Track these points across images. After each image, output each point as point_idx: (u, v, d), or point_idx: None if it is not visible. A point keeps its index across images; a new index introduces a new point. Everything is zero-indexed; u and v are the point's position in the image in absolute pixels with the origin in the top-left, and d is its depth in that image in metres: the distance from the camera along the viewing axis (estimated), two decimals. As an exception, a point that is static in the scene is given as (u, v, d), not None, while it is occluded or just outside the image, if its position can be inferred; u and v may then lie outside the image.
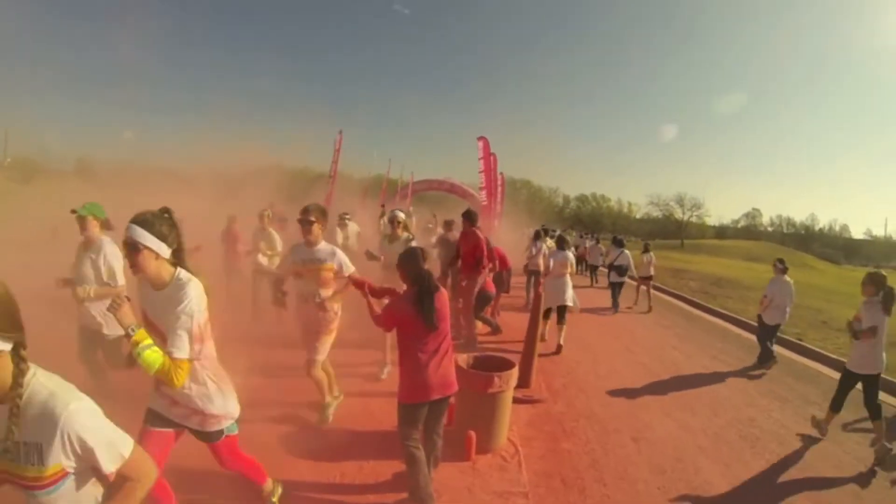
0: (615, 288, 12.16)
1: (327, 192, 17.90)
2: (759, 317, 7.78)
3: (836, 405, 5.22)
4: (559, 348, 7.71)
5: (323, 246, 4.36)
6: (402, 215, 6.15)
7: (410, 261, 3.38)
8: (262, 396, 5.03)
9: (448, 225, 8.90)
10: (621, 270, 12.16)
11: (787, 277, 7.61)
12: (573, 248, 19.01)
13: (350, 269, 4.38)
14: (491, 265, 7.80)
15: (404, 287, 3.48)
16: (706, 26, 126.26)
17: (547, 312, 8.00)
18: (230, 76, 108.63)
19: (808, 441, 5.15)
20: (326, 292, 4.37)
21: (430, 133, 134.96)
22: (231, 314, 7.40)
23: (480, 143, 17.24)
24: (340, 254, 4.39)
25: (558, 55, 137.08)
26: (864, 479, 4.43)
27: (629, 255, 12.37)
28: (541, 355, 6.56)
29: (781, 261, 7.79)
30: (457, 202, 29.28)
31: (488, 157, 17.33)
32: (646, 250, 13.14)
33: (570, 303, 8.05)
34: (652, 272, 12.89)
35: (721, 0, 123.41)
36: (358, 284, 4.09)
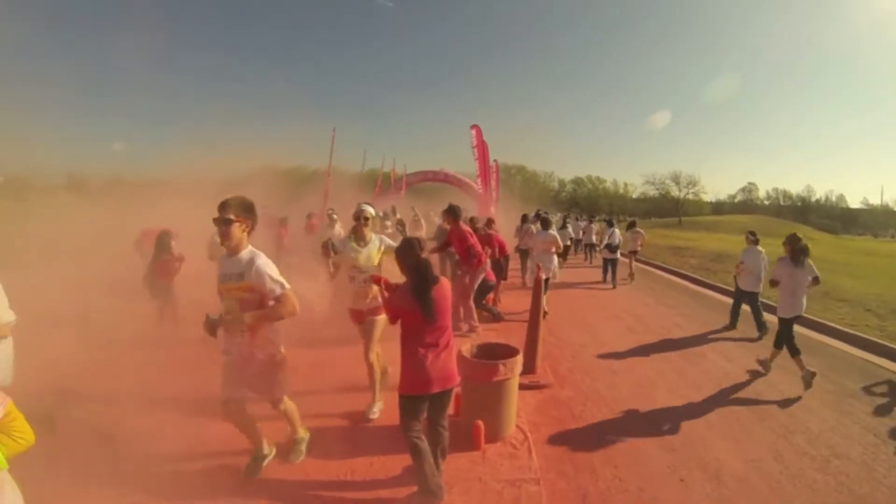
0: (607, 264, 13.24)
1: (324, 189, 17.90)
2: (736, 283, 8.45)
3: (793, 351, 5.91)
4: (545, 314, 8.31)
5: (245, 254, 3.38)
6: (370, 210, 4.74)
7: (408, 251, 3.37)
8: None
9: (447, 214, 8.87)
10: (612, 248, 13.22)
11: (759, 248, 8.19)
12: (576, 232, 19.48)
13: (278, 289, 3.34)
14: (489, 251, 7.91)
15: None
16: (698, 6, 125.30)
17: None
18: (217, 79, 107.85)
19: (817, 413, 5.14)
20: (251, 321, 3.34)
21: (421, 124, 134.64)
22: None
23: (473, 132, 17.19)
24: (263, 264, 3.34)
25: (549, 39, 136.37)
26: (873, 449, 4.43)
27: (619, 234, 13.57)
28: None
29: (753, 233, 8.42)
30: (453, 193, 29.24)
31: (482, 145, 17.30)
32: (630, 227, 14.80)
33: (551, 275, 8.98)
34: (638, 247, 14.30)
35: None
36: (374, 280, 3.82)
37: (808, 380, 5.56)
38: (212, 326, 3.29)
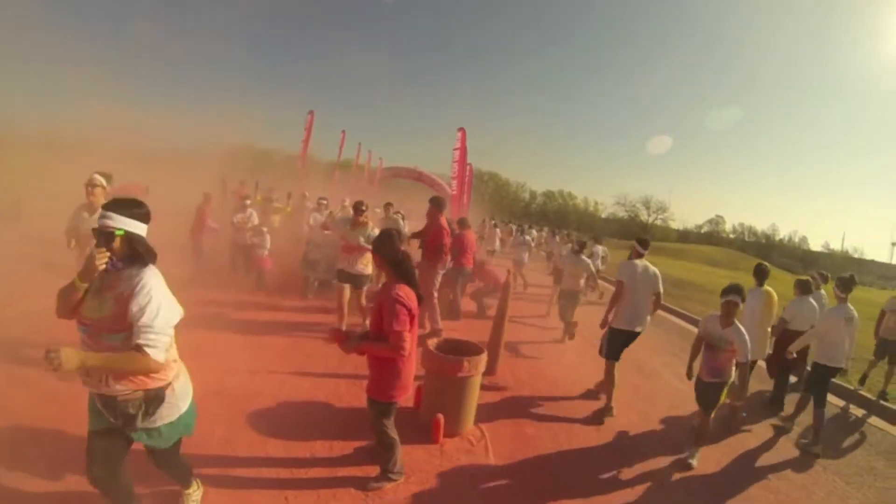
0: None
1: (298, 175, 17.94)
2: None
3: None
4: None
5: None
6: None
7: (388, 243, 3.31)
8: (231, 374, 5.04)
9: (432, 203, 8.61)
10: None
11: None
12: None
13: None
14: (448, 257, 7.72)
15: None
16: (678, 39, 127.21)
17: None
18: (199, 48, 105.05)
19: (762, 433, 5.47)
20: None
21: (399, 119, 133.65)
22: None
23: (459, 134, 17.29)
24: None
25: (534, 51, 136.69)
26: (812, 471, 4.73)
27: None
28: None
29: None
30: (426, 192, 29.24)
31: (463, 148, 17.41)
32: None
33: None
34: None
35: (692, 14, 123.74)
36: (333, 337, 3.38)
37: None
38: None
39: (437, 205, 7.42)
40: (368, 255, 6.24)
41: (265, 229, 9.15)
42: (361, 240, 6.35)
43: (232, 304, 7.69)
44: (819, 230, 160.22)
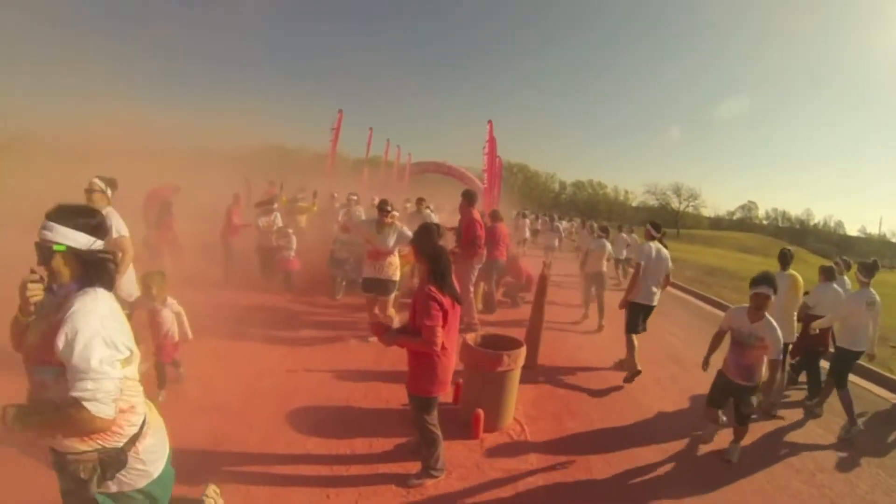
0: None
1: (326, 172, 18.04)
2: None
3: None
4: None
5: None
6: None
7: (426, 237, 3.32)
8: (269, 374, 5.07)
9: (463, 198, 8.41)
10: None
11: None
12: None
13: None
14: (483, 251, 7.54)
15: None
16: (707, 22, 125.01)
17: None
18: (227, 50, 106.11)
19: (798, 423, 5.35)
20: None
21: (426, 114, 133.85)
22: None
23: (488, 126, 17.20)
24: None
25: (559, 40, 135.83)
26: (855, 465, 4.55)
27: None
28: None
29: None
30: (455, 186, 29.14)
31: (492, 140, 17.32)
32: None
33: None
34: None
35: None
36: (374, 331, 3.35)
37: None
38: None
39: (468, 199, 7.39)
40: (396, 261, 6.18)
41: (291, 231, 9.05)
42: (391, 242, 5.94)
43: (263, 305, 7.73)
44: (855, 214, 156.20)
